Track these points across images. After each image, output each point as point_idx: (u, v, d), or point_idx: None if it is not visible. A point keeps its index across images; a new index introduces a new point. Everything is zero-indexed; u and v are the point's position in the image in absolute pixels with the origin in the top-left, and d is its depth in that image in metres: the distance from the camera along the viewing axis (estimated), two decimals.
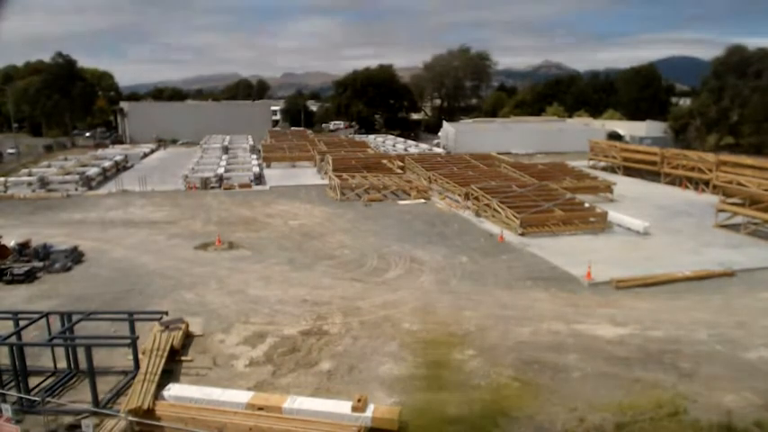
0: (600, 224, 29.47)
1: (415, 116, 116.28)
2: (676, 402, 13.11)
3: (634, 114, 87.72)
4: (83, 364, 14.09)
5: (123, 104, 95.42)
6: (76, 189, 42.05)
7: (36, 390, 13.93)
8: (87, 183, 43.34)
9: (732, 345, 16.01)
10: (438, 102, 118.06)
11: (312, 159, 55.51)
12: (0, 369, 14.24)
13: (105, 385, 14.17)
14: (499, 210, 30.84)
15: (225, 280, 21.68)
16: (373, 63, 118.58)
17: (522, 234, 28.19)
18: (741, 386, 13.81)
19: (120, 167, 53.69)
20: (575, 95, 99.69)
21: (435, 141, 76.88)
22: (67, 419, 12.76)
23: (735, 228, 29.20)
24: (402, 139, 74.53)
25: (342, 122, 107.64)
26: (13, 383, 13.92)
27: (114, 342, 15.55)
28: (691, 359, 15.16)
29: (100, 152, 61.70)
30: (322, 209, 35.18)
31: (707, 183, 40.78)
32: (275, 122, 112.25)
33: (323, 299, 19.61)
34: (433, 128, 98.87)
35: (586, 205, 31.40)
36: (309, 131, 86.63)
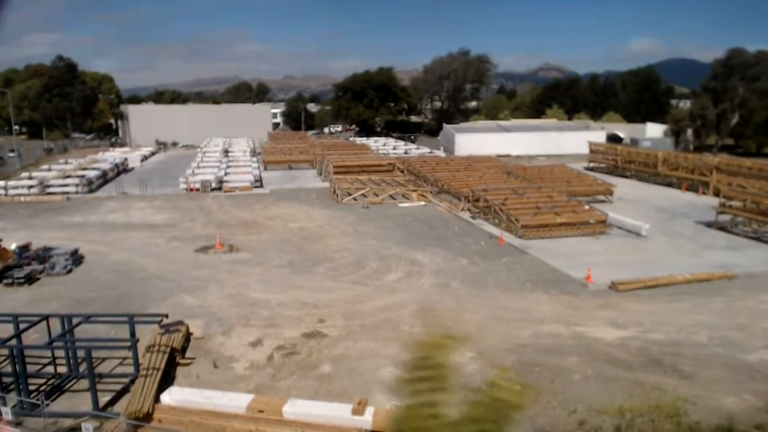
0: (600, 226, 29.47)
1: (414, 119, 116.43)
2: (676, 405, 13.08)
3: (633, 117, 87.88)
4: (83, 367, 14.09)
5: (124, 107, 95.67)
6: (77, 192, 42.09)
7: (36, 393, 13.92)
8: (87, 186, 43.39)
9: (733, 347, 16.00)
10: (438, 104, 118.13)
11: (312, 162, 55.59)
12: (0, 372, 14.23)
13: (105, 388, 14.17)
14: (499, 212, 30.86)
15: (225, 283, 21.68)
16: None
17: (522, 236, 28.20)
18: (742, 388, 13.79)
19: (121, 170, 53.78)
20: (574, 98, 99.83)
21: (440, 146, 76.96)
22: (67, 422, 12.75)
23: (735, 230, 29.22)
24: (402, 142, 74.57)
25: (340, 125, 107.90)
26: (13, 386, 13.92)
27: (114, 345, 15.55)
28: (691, 362, 15.14)
29: (100, 155, 61.77)
30: (322, 211, 35.18)
31: (707, 185, 40.81)
32: (275, 125, 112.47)
33: (323, 301, 19.60)
34: (432, 131, 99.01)
35: (586, 207, 31.38)
36: (310, 134, 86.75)
